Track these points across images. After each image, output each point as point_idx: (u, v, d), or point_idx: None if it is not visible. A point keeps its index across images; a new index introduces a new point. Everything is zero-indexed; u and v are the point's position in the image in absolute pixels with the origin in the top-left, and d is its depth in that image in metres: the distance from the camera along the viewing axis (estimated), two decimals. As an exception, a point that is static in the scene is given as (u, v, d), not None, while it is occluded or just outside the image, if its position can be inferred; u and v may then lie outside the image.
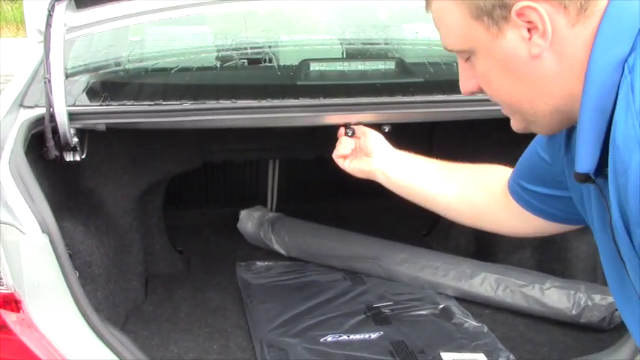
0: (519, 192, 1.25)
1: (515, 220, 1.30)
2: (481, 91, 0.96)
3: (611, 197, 0.82)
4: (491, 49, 0.88)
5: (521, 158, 1.25)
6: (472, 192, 1.40)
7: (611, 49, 0.80)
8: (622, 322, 2.02)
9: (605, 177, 0.83)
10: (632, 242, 0.81)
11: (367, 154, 1.63)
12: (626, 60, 0.79)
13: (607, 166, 0.81)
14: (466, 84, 0.98)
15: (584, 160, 0.85)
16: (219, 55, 2.24)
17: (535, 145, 1.19)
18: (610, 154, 0.80)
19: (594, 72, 0.82)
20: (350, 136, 1.73)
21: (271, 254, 2.65)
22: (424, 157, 1.53)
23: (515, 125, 0.98)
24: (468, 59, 0.94)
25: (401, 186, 1.53)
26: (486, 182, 1.38)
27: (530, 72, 0.87)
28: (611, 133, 0.79)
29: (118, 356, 1.45)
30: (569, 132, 0.99)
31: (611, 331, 2.07)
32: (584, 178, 0.89)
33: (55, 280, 1.40)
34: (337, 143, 1.72)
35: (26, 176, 1.48)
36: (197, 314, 2.23)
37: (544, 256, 2.42)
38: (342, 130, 1.73)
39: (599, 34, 0.82)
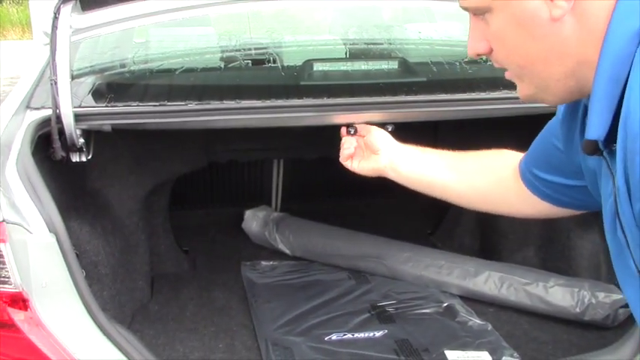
0: (531, 179, 1.26)
1: (524, 204, 1.32)
2: (489, 53, 0.93)
3: (618, 166, 0.82)
4: (510, 7, 0.86)
5: (533, 146, 1.25)
6: (482, 178, 1.41)
7: (630, 19, 0.80)
8: (626, 319, 2.05)
9: (613, 152, 0.83)
10: (632, 211, 0.81)
11: (374, 152, 1.63)
12: None
13: (615, 142, 0.82)
14: (475, 45, 0.94)
15: (596, 127, 0.85)
16: (224, 55, 2.26)
17: (547, 135, 1.19)
18: (620, 122, 0.80)
19: (611, 41, 0.82)
20: (352, 135, 1.74)
21: (276, 254, 2.67)
22: (431, 149, 1.55)
23: (523, 91, 0.95)
24: (482, 18, 0.91)
25: (412, 179, 1.54)
26: (495, 168, 1.39)
27: (548, 34, 0.85)
28: (624, 101, 0.79)
29: (124, 355, 1.46)
30: (585, 116, 0.97)
31: (615, 328, 2.07)
32: (594, 149, 0.88)
33: (62, 279, 1.41)
34: (341, 144, 1.72)
35: (33, 177, 1.50)
36: (203, 313, 2.24)
37: (548, 255, 2.43)
38: (344, 129, 1.75)
39: (620, 2, 0.81)
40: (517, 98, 2.00)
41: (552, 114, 1.98)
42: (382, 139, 1.64)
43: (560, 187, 1.21)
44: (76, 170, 1.98)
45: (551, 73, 0.88)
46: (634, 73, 0.79)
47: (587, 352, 1.86)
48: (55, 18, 1.73)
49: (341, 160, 1.71)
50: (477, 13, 0.92)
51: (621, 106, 0.80)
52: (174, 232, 2.61)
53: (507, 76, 0.96)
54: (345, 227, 2.65)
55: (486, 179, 1.40)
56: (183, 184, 2.67)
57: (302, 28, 2.49)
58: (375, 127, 1.69)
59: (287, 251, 2.65)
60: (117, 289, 2.06)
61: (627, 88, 0.80)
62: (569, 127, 1.08)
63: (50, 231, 1.43)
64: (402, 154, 1.57)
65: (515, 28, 0.87)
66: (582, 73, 0.86)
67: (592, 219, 2.33)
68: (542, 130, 1.22)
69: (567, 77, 0.88)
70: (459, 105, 1.94)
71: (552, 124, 1.17)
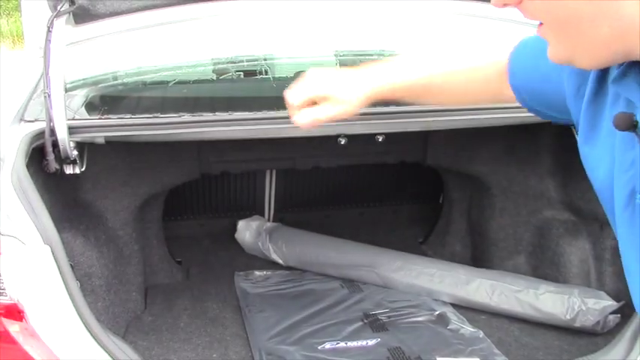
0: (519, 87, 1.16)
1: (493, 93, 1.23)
2: (519, 2, 0.79)
3: None
4: None
5: (526, 71, 1.11)
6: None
7: None
8: (615, 325, 2.07)
9: None
10: None
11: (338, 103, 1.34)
12: None
13: None
14: None
15: None
16: (216, 68, 2.28)
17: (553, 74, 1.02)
18: None
19: None
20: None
21: (269, 264, 2.68)
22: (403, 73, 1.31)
23: (557, 54, 0.82)
24: None
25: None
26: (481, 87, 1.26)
27: None
28: None
29: None
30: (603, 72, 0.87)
31: (604, 334, 2.10)
32: (631, 126, 0.78)
33: (57, 290, 1.42)
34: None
35: (28, 189, 1.51)
36: (196, 324, 2.25)
37: (538, 262, 2.46)
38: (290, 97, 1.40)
39: None
40: (506, 108, 2.04)
41: (541, 123, 2.02)
42: (336, 86, 1.32)
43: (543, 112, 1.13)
44: (69, 182, 1.99)
45: (596, 34, 0.75)
46: None
47: (577, 358, 1.88)
48: (49, 31, 1.75)
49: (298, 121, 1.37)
50: None
51: None
52: (168, 242, 2.62)
53: (538, 32, 0.82)
54: (338, 236, 2.67)
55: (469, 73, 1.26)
56: (176, 195, 2.68)
57: (294, 40, 2.52)
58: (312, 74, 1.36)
59: (280, 261, 2.66)
60: (111, 300, 2.07)
61: None
62: (580, 81, 0.94)
63: (44, 242, 1.44)
64: (374, 95, 1.33)
65: None
66: (636, 38, 0.74)
67: (582, 227, 2.36)
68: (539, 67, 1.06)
69: (614, 39, 0.75)
70: (448, 115, 1.96)
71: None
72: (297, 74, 2.11)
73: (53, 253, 1.44)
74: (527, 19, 0.81)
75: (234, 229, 2.81)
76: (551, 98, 1.07)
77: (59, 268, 1.43)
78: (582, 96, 0.94)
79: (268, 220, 2.94)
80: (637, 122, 0.76)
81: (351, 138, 2.03)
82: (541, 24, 0.81)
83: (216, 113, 1.83)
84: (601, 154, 0.91)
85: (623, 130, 0.79)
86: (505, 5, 0.80)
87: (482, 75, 1.25)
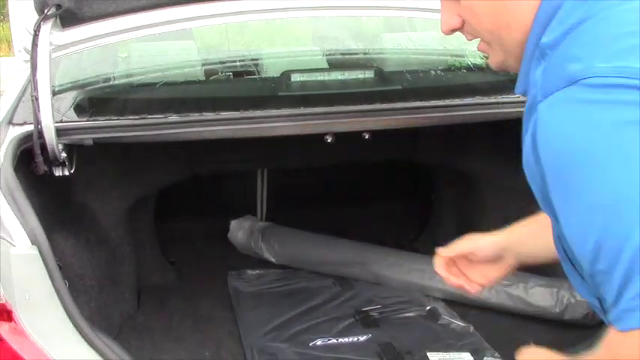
0: None
1: None
2: (461, 26, 1.01)
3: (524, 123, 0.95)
4: None
5: None
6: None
7: None
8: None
9: None
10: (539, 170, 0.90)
11: (495, 261, 1.39)
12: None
13: None
14: (448, 21, 1.02)
15: (521, 83, 0.97)
16: (204, 68, 2.29)
17: None
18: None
19: (542, 10, 0.92)
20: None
21: (262, 263, 2.69)
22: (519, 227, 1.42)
23: (493, 59, 1.03)
24: None
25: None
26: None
27: (510, 5, 0.94)
28: None
29: None
30: None
31: (594, 327, 2.11)
32: None
33: (45, 290, 1.43)
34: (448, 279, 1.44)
35: (15, 191, 1.52)
36: (189, 323, 2.27)
37: (528, 256, 2.46)
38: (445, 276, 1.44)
39: None
40: (491, 104, 2.05)
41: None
42: (491, 246, 1.40)
43: None
44: (60, 184, 2.00)
45: (514, 39, 0.97)
46: None
47: (567, 350, 1.89)
48: (35, 35, 1.76)
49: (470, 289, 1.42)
50: None
51: None
52: (161, 243, 2.63)
53: (479, 48, 1.03)
54: (330, 235, 2.69)
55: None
56: (168, 196, 2.69)
57: (282, 40, 2.53)
58: (469, 243, 1.43)
59: (273, 260, 2.68)
60: (103, 301, 2.08)
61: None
62: None
63: (32, 243, 1.45)
64: (514, 247, 1.39)
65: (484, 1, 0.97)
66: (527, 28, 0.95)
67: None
68: None
69: (517, 32, 0.96)
70: (433, 112, 1.98)
71: None
72: (284, 73, 2.15)
73: (41, 254, 1.45)
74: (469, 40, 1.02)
75: (227, 229, 2.83)
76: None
77: (47, 269, 1.44)
78: None
79: (261, 219, 2.95)
80: None
81: (338, 136, 2.04)
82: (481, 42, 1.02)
83: (203, 113, 1.84)
84: None
85: None
86: (452, 31, 1.02)
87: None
